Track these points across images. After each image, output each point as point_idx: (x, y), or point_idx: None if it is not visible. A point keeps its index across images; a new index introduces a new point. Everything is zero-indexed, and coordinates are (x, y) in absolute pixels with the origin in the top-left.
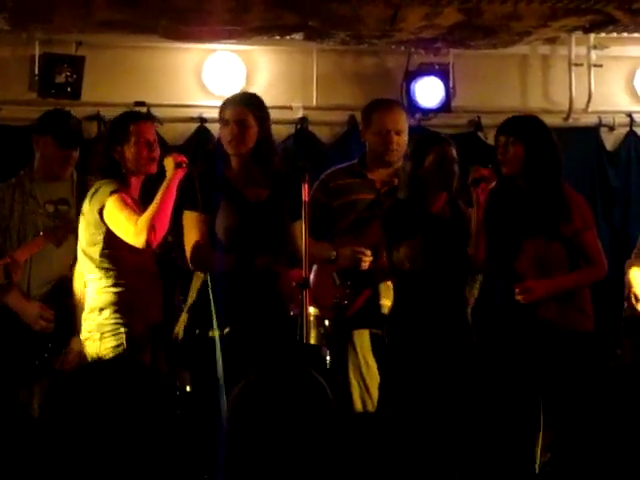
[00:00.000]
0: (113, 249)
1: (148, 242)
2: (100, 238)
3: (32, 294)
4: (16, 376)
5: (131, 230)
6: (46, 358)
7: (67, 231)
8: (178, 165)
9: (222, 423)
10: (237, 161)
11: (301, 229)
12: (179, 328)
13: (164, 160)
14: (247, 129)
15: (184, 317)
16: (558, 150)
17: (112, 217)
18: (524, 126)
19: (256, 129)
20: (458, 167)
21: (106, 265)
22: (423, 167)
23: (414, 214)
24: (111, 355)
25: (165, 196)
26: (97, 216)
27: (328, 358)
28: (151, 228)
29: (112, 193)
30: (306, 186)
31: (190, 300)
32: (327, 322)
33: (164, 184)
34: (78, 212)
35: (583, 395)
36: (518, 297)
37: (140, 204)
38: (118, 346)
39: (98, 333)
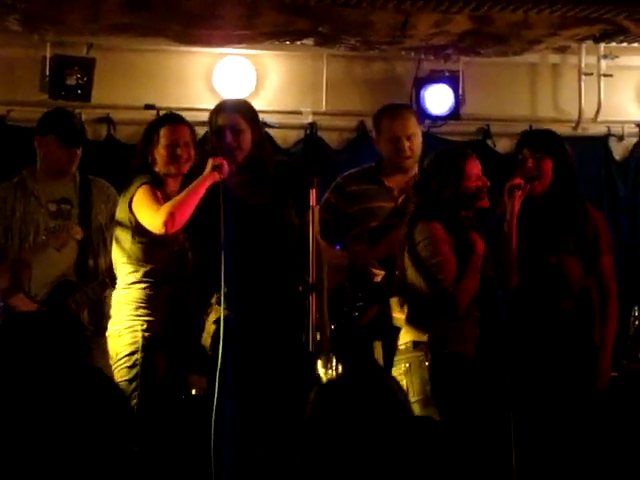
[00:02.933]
0: (142, 245)
1: (164, 227)
2: (129, 232)
3: (33, 294)
4: None
5: (151, 215)
6: None
7: (68, 235)
8: (214, 168)
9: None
10: (234, 169)
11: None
12: (205, 340)
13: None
14: (241, 134)
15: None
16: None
17: (137, 205)
18: (552, 141)
19: (250, 134)
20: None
21: (133, 260)
22: (454, 187)
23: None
24: (127, 353)
25: (192, 191)
26: (127, 208)
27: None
28: (170, 215)
29: (142, 185)
30: (314, 191)
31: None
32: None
33: (196, 180)
34: (81, 211)
35: None
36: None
37: None
38: (133, 344)
39: (117, 330)
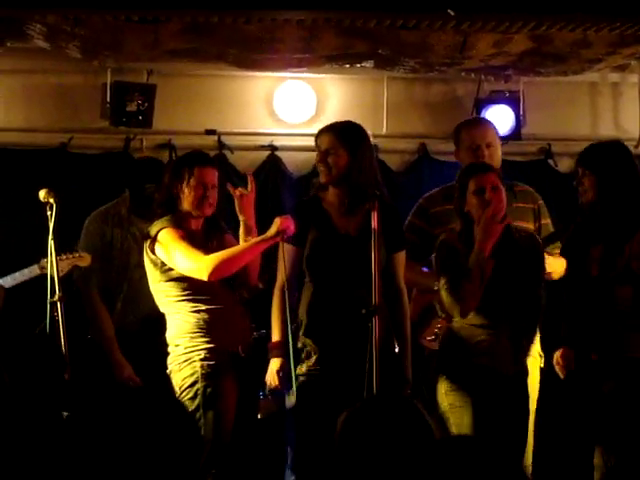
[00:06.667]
0: (176, 281)
1: (208, 277)
2: (159, 274)
3: (126, 330)
4: None
5: (194, 263)
6: None
7: None
8: (279, 233)
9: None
10: (332, 190)
11: (402, 260)
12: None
13: (275, 218)
14: (332, 158)
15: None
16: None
17: (171, 248)
18: (595, 156)
19: (346, 159)
20: (503, 194)
21: (172, 297)
22: (467, 201)
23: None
24: (187, 385)
25: (250, 249)
26: (150, 253)
27: None
28: (218, 268)
29: (164, 228)
30: (375, 214)
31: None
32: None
33: (259, 238)
34: None
35: None
36: None
37: (200, 237)
38: (192, 375)
39: (177, 365)
